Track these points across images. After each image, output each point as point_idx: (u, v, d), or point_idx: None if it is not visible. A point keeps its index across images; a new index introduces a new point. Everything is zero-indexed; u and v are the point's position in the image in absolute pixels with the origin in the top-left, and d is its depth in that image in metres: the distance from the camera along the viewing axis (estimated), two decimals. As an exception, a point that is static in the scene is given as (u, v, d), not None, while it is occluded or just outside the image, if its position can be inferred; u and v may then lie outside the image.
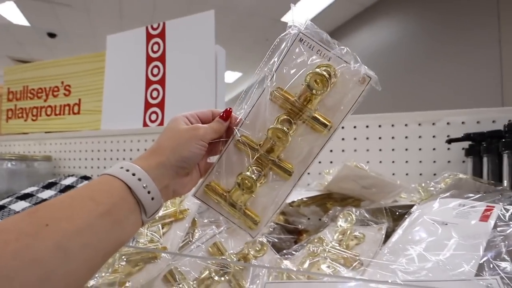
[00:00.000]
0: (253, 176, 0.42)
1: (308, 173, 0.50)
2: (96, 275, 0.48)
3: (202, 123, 0.44)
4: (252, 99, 0.45)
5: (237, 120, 0.45)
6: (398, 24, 3.45)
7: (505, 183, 0.59)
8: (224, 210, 0.44)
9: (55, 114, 1.43)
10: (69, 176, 1.01)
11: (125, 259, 0.50)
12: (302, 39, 0.43)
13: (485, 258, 0.37)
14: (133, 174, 0.35)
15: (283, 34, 0.44)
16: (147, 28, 1.27)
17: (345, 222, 0.55)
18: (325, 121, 0.42)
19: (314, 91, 0.41)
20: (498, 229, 0.42)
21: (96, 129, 1.32)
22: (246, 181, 0.42)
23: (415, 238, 0.46)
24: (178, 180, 0.41)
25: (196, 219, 0.63)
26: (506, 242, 0.39)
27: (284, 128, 0.41)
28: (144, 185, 0.35)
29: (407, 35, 3.31)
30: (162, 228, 0.58)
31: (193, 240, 0.60)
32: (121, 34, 1.33)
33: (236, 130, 0.44)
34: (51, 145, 1.33)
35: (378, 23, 3.70)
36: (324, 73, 0.40)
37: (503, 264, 0.35)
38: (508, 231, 0.40)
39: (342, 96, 0.42)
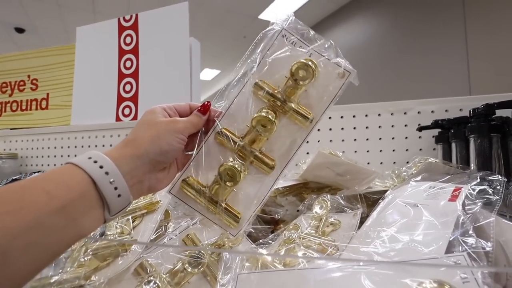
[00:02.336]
0: (235, 166, 0.41)
1: (307, 153, 0.49)
2: (60, 270, 0.45)
3: (180, 116, 0.42)
4: (234, 92, 0.44)
5: (217, 113, 0.44)
6: (371, 22, 3.55)
7: (472, 166, 0.61)
8: (201, 208, 0.42)
9: (21, 110, 1.37)
10: (34, 173, 0.96)
11: (91, 253, 0.47)
12: (285, 35, 0.44)
13: (453, 236, 0.38)
14: (101, 167, 0.32)
15: (266, 30, 0.45)
16: (119, 19, 1.23)
17: (320, 209, 0.55)
18: (306, 114, 0.42)
19: (299, 81, 0.40)
20: (466, 207, 0.43)
21: (65, 125, 1.27)
22: (229, 172, 0.40)
23: (388, 220, 0.46)
24: (154, 175, 0.39)
25: (169, 211, 0.61)
26: (473, 219, 0.40)
27: (270, 116, 0.40)
28: (111, 180, 0.32)
29: (380, 32, 3.43)
30: (133, 221, 0.56)
31: (166, 233, 0.58)
32: (92, 25, 1.28)
33: (218, 121, 0.43)
34: (17, 142, 1.26)
35: (353, 21, 3.79)
36: (310, 63, 0.40)
37: (470, 240, 0.36)
38: (474, 209, 0.41)
39: (323, 89, 0.42)
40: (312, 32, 0.43)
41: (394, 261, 0.38)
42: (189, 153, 0.44)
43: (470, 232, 0.37)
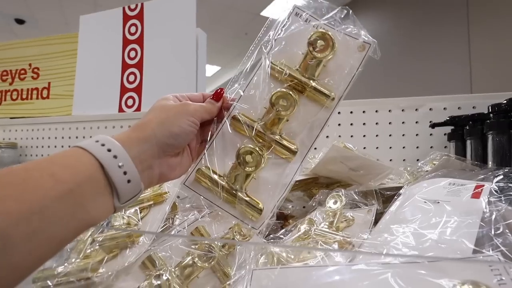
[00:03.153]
0: (256, 148, 0.38)
1: (315, 148, 0.46)
2: (64, 261, 0.43)
3: None
4: (249, 75, 0.42)
5: (231, 99, 0.42)
6: (373, 22, 3.53)
7: (490, 163, 0.59)
8: (219, 200, 0.39)
9: (22, 99, 1.34)
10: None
11: (98, 245, 0.45)
12: (298, 13, 0.42)
13: (482, 234, 0.36)
14: (109, 150, 0.30)
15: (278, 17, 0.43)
16: (124, 8, 1.20)
17: (334, 204, 0.53)
18: (327, 91, 0.39)
19: (317, 53, 0.38)
20: (491, 205, 0.41)
21: (67, 115, 1.24)
22: (249, 154, 0.38)
23: (408, 217, 0.44)
24: (165, 160, 0.36)
25: (176, 203, 0.59)
26: (502, 217, 0.38)
27: (290, 92, 0.38)
28: (120, 164, 0.30)
29: (382, 32, 3.42)
30: (140, 212, 0.54)
31: (174, 226, 0.56)
32: (96, 14, 1.25)
33: (234, 104, 0.41)
34: (17, 131, 1.24)
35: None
36: (329, 32, 0.38)
37: (502, 239, 0.34)
38: (502, 207, 0.39)
39: (343, 64, 0.39)
40: (325, 3, 0.41)
41: (424, 256, 0.36)
42: (204, 142, 0.41)
43: (502, 229, 0.35)
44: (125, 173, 0.30)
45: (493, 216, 0.37)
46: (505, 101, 0.57)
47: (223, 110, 0.42)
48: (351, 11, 0.40)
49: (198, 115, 0.38)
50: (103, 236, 0.47)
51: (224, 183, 0.39)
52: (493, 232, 0.35)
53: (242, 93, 0.41)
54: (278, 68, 0.40)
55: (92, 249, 0.45)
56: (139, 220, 0.51)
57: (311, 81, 0.39)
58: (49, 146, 1.20)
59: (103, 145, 0.30)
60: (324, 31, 0.38)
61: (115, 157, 0.30)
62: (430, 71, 2.81)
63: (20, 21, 4.23)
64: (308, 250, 0.40)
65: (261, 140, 0.39)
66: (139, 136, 0.34)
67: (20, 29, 4.40)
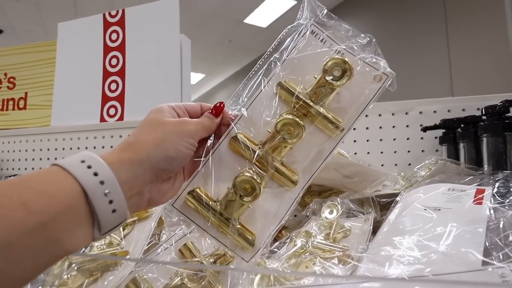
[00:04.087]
0: (255, 177, 0.34)
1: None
2: (39, 289, 0.39)
3: (190, 118, 0.36)
4: (254, 92, 0.38)
5: (232, 115, 0.38)
6: (357, 27, 3.58)
7: (485, 166, 0.58)
8: (210, 227, 0.36)
9: (-3, 110, 1.27)
10: (8, 177, 0.88)
11: (76, 268, 0.41)
12: (314, 31, 0.38)
13: (489, 243, 0.34)
14: (95, 174, 0.26)
15: (292, 25, 0.40)
16: (104, 15, 1.16)
17: (330, 214, 0.50)
18: (337, 121, 0.36)
19: (332, 82, 0.35)
20: (496, 212, 0.39)
21: (45, 126, 1.18)
22: (247, 185, 0.34)
23: (408, 226, 0.42)
24: (156, 186, 0.32)
25: (163, 218, 0.55)
26: (509, 224, 0.36)
27: (298, 120, 0.35)
28: (106, 191, 0.26)
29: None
30: (123, 229, 0.50)
31: (160, 242, 0.52)
32: (75, 21, 1.20)
33: (233, 124, 0.37)
34: (-8, 144, 1.17)
35: None
36: (347, 59, 0.35)
37: (511, 248, 0.32)
38: (507, 213, 0.37)
39: (357, 93, 0.37)
40: (346, 27, 0.38)
41: (426, 275, 0.33)
42: (197, 159, 0.38)
43: (510, 238, 0.33)
44: (111, 201, 0.26)
45: (501, 224, 0.35)
46: (500, 103, 0.56)
47: (221, 126, 0.38)
48: (374, 40, 0.38)
49: (197, 136, 0.35)
50: (81, 258, 0.43)
51: (216, 209, 0.35)
52: (503, 241, 0.33)
53: (245, 112, 0.38)
54: (287, 89, 0.37)
55: (69, 274, 0.41)
56: (121, 239, 0.47)
57: (321, 108, 0.36)
58: (26, 159, 1.14)
59: (89, 167, 0.26)
60: (342, 58, 0.36)
61: (101, 182, 0.26)
62: (411, 75, 2.87)
63: (-3, 31, 4.12)
64: (303, 275, 0.37)
65: (260, 166, 0.36)
66: (131, 158, 0.29)
67: (-2, 39, 4.28)
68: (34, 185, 0.24)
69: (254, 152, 0.36)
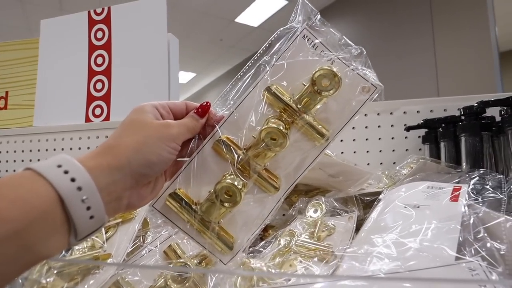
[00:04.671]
0: (236, 184, 0.34)
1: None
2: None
3: (175, 118, 0.35)
4: (240, 95, 0.38)
5: (217, 117, 0.37)
6: (347, 27, 3.61)
7: (464, 165, 0.60)
8: (190, 228, 0.36)
9: (-24, 110, 1.24)
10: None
11: (55, 272, 0.41)
12: (307, 36, 0.38)
13: (463, 239, 0.35)
14: (72, 180, 0.25)
15: (284, 27, 0.39)
16: (89, 12, 1.14)
17: (315, 213, 0.51)
18: (323, 129, 0.37)
19: (321, 92, 0.35)
20: (469, 208, 0.40)
21: (27, 126, 1.16)
22: (228, 191, 0.34)
23: (389, 224, 0.43)
24: (136, 190, 0.32)
25: (148, 219, 0.55)
26: (481, 220, 0.37)
27: (282, 129, 0.35)
28: (84, 198, 0.25)
29: (353, 39, 3.48)
30: (106, 231, 0.49)
31: (145, 244, 0.52)
32: (58, 18, 1.17)
33: (218, 127, 0.37)
34: (-28, 145, 1.14)
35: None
36: (336, 71, 0.35)
37: (482, 244, 0.34)
38: (480, 210, 0.39)
39: (344, 103, 0.37)
40: (338, 36, 0.38)
41: (400, 272, 0.34)
42: (180, 159, 0.37)
43: (482, 234, 0.34)
44: (88, 208, 0.25)
45: (471, 220, 0.36)
46: (476, 104, 0.57)
47: (207, 127, 0.38)
48: (365, 52, 0.38)
49: (180, 139, 0.33)
50: (62, 262, 0.42)
51: (197, 211, 0.35)
52: (472, 237, 0.34)
53: (230, 115, 0.37)
54: (275, 95, 0.37)
55: (48, 279, 0.40)
56: (104, 242, 0.47)
57: (308, 116, 0.37)
58: (7, 161, 1.11)
59: (66, 172, 0.25)
60: (331, 69, 0.36)
61: (79, 188, 0.25)
62: (398, 76, 2.92)
63: (-22, 27, 4.00)
64: (288, 276, 0.38)
65: (243, 170, 0.36)
66: (110, 163, 0.28)
67: (-22, 36, 4.16)
68: (7, 192, 0.23)
69: (238, 156, 0.36)
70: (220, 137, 0.36)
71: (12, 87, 1.22)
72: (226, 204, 0.35)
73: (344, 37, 0.38)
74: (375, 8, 3.29)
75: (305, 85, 0.37)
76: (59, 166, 0.25)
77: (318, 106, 0.37)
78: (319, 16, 0.39)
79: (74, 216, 0.25)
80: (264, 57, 0.38)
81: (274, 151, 0.36)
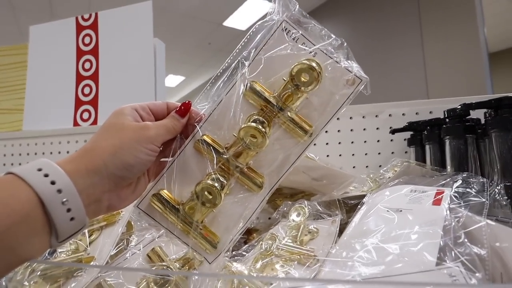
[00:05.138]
0: (216, 184, 0.34)
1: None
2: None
3: (156, 118, 0.35)
4: (220, 93, 0.37)
5: (199, 116, 0.37)
6: (331, 30, 3.63)
7: (448, 168, 0.60)
8: (174, 227, 0.36)
9: (-36, 115, 1.23)
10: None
11: (39, 274, 0.40)
12: (286, 28, 0.36)
13: (444, 244, 0.36)
14: (52, 183, 0.25)
15: (262, 21, 0.37)
16: (77, 18, 1.14)
17: (297, 217, 0.51)
18: (306, 125, 0.36)
19: (300, 87, 0.34)
20: (451, 212, 0.41)
21: (17, 130, 1.15)
22: (207, 192, 0.34)
23: (371, 228, 0.43)
24: (116, 192, 0.32)
25: (132, 222, 0.55)
26: (462, 225, 0.38)
27: (261, 127, 0.34)
28: (64, 200, 0.26)
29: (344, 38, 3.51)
30: (90, 235, 0.49)
31: (129, 247, 0.52)
32: (47, 24, 1.18)
33: (198, 127, 0.36)
34: (-41, 150, 1.13)
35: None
36: (315, 65, 0.34)
37: (462, 249, 0.34)
38: (461, 213, 0.39)
39: (327, 98, 0.36)
40: (319, 27, 0.36)
41: (379, 277, 0.34)
42: (164, 159, 0.37)
43: (462, 238, 0.34)
44: (68, 210, 0.26)
45: (453, 224, 0.36)
46: (459, 106, 0.58)
47: (189, 126, 0.37)
48: (345, 43, 0.36)
49: (159, 140, 0.33)
50: (45, 265, 0.42)
51: (180, 211, 0.35)
52: (453, 242, 0.34)
53: (210, 114, 0.37)
54: (255, 91, 0.36)
55: (31, 282, 0.40)
56: (88, 245, 0.47)
57: (289, 113, 0.36)
58: (-4, 165, 1.10)
59: (46, 175, 0.26)
60: (309, 63, 0.34)
61: (59, 191, 0.26)
62: (387, 77, 2.93)
63: (-32, 32, 3.97)
64: (269, 280, 0.38)
65: (225, 168, 0.36)
66: (87, 166, 0.29)
67: (-31, 40, 4.13)
68: None
69: (220, 155, 0.36)
70: (200, 136, 0.36)
71: (2, 91, 1.21)
72: (207, 205, 0.35)
73: (325, 28, 0.37)
74: (361, 8, 3.31)
75: (285, 80, 0.35)
76: (39, 169, 0.26)
77: (299, 102, 0.36)
78: (297, 6, 0.37)
79: (55, 218, 0.25)
80: (243, 53, 0.37)
81: (254, 150, 0.35)
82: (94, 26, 1.10)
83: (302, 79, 0.35)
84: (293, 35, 0.36)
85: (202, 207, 0.35)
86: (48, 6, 3.49)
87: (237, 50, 0.38)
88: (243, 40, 0.38)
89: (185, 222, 0.36)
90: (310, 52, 0.36)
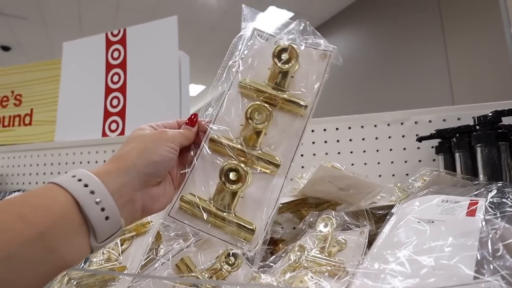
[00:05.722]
0: (240, 164, 0.37)
1: (302, 167, 0.48)
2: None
3: None
4: (221, 95, 0.43)
5: (206, 122, 0.42)
6: (353, 37, 3.59)
7: (481, 177, 0.58)
8: (207, 226, 0.37)
9: (3, 126, 1.30)
10: (14, 192, 0.90)
11: (75, 283, 0.42)
12: (258, 34, 0.45)
13: (481, 257, 0.34)
14: (85, 186, 0.28)
15: (238, 36, 0.46)
16: (106, 34, 1.20)
17: (325, 227, 0.51)
18: (300, 101, 0.41)
19: (283, 65, 0.40)
20: (487, 223, 0.39)
21: (49, 141, 1.21)
22: (233, 171, 0.37)
23: (402, 240, 0.42)
24: (147, 191, 0.35)
25: (161, 232, 0.56)
26: (500, 237, 0.36)
27: (265, 104, 0.39)
28: (98, 200, 0.28)
29: (361, 48, 3.47)
30: (121, 244, 0.51)
31: (158, 257, 0.53)
32: (79, 40, 1.24)
33: (210, 127, 0.41)
34: (-3, 160, 1.20)
35: (334, 36, 3.81)
36: (289, 43, 0.40)
37: (501, 262, 0.32)
38: (499, 225, 0.38)
39: (308, 75, 0.41)
40: (277, 25, 0.44)
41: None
42: (184, 171, 0.41)
43: (501, 251, 0.33)
44: (103, 209, 0.28)
45: (490, 237, 0.35)
46: (491, 113, 0.56)
47: (200, 134, 0.42)
48: (308, 23, 0.43)
49: (177, 141, 0.38)
50: (80, 273, 0.44)
51: (210, 207, 0.37)
52: (491, 255, 0.33)
53: (216, 115, 0.42)
54: (249, 87, 0.41)
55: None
56: (119, 254, 0.48)
57: (282, 93, 0.41)
58: (30, 174, 1.16)
59: (79, 180, 0.29)
60: (286, 44, 0.41)
61: (92, 192, 0.28)
62: (412, 84, 2.86)
63: (5, 48, 4.21)
64: None
65: (242, 158, 0.39)
66: (118, 167, 0.32)
67: (6, 56, 4.37)
68: (31, 201, 0.26)
69: (234, 146, 0.39)
70: (212, 135, 0.40)
71: (37, 104, 1.28)
72: (234, 186, 0.36)
73: (281, 22, 0.45)
74: (382, 14, 3.26)
75: (269, 69, 0.41)
76: (74, 176, 0.29)
77: (288, 82, 0.41)
78: (260, 13, 0.46)
79: (90, 217, 0.27)
80: (230, 62, 0.45)
81: (263, 127, 0.39)
82: (123, 41, 1.15)
83: (283, 57, 0.41)
84: (265, 37, 0.45)
85: (231, 192, 0.37)
86: (78, 22, 3.66)
87: (225, 61, 0.45)
88: (226, 53, 0.46)
89: (217, 216, 0.37)
90: (278, 41, 0.43)
